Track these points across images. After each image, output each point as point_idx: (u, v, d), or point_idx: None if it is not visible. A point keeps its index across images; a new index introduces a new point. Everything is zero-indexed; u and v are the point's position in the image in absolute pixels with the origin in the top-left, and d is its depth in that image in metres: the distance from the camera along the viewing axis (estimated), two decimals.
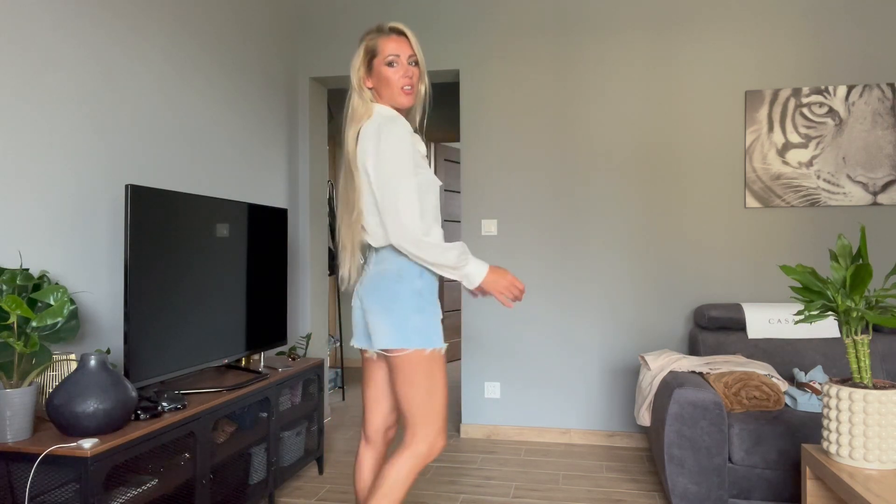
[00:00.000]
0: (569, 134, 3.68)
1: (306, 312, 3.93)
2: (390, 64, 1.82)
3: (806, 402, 2.61)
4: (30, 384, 1.77)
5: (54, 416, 1.74)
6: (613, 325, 3.63)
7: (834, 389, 1.82)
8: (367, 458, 1.96)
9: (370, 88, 1.87)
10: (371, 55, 1.84)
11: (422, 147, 1.88)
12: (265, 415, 2.61)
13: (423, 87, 1.93)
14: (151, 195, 2.15)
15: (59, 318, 1.82)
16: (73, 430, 1.74)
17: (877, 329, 3.11)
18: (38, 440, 1.74)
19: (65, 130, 2.19)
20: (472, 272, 1.78)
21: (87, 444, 1.68)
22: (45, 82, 2.11)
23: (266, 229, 2.89)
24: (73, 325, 1.87)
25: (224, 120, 3.14)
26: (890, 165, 3.34)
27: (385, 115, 1.83)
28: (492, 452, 3.47)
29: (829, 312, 1.88)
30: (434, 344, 1.76)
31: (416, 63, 1.87)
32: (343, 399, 4.71)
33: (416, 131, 1.91)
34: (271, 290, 2.94)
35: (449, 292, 6.23)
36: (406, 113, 1.92)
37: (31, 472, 1.68)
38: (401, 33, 1.85)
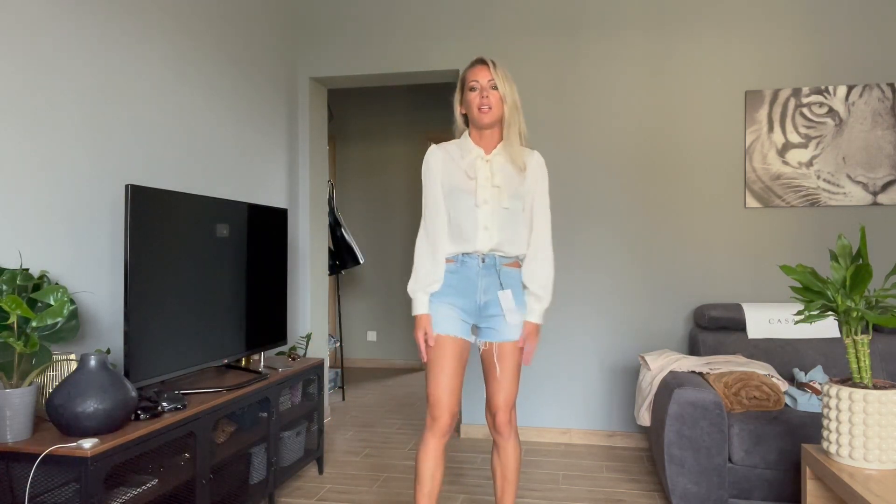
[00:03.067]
0: (569, 133, 3.68)
1: (306, 312, 3.93)
2: (472, 89, 2.09)
3: (806, 402, 2.61)
4: (30, 384, 1.77)
5: (54, 416, 1.74)
6: (613, 325, 3.63)
7: (834, 389, 1.82)
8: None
9: (463, 114, 2.19)
10: (461, 83, 2.16)
11: (468, 163, 2.14)
12: (265, 415, 2.61)
13: (506, 108, 2.11)
14: (151, 195, 2.15)
15: (59, 318, 1.82)
16: (73, 430, 1.74)
17: (877, 329, 3.10)
18: (38, 440, 1.74)
19: (65, 130, 2.19)
20: (414, 303, 2.14)
21: (87, 444, 1.68)
22: (45, 82, 2.11)
23: (266, 229, 2.89)
24: (73, 325, 1.87)
25: (224, 120, 3.14)
26: (890, 165, 3.34)
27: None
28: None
29: (829, 312, 1.88)
30: (435, 329, 2.09)
31: (496, 87, 2.08)
32: (343, 399, 4.71)
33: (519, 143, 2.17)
34: (271, 290, 2.94)
35: None
36: (489, 128, 2.13)
37: (31, 472, 1.68)
38: (483, 62, 2.11)
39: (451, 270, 2.13)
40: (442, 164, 2.14)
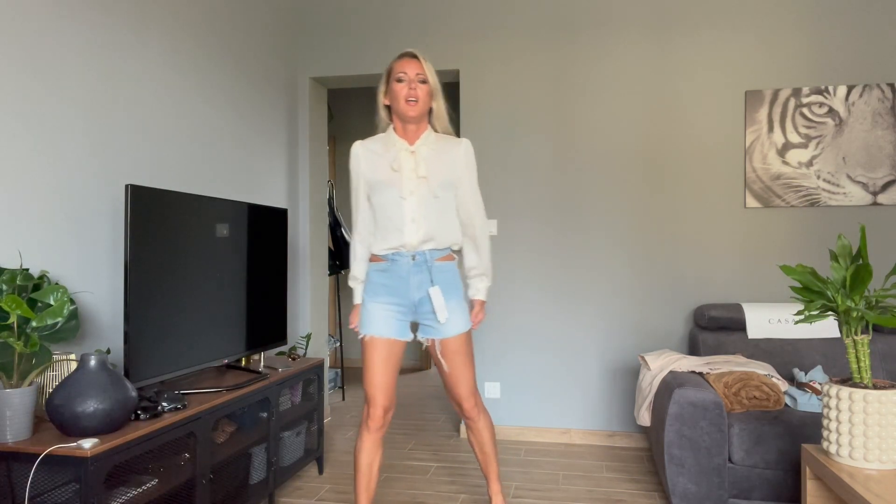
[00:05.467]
0: (569, 134, 3.68)
1: (306, 312, 3.93)
2: (399, 80, 2.07)
3: (806, 402, 2.61)
4: (30, 384, 1.77)
5: (54, 416, 1.74)
6: (613, 325, 3.63)
7: (834, 389, 1.82)
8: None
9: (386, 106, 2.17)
10: (387, 74, 2.12)
11: (392, 155, 2.12)
12: (265, 415, 2.61)
13: (434, 102, 2.15)
14: (151, 195, 2.15)
15: (59, 318, 1.82)
16: (72, 430, 1.74)
17: (877, 329, 3.10)
18: (38, 440, 1.74)
19: (65, 130, 2.19)
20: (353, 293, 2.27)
21: (87, 444, 1.68)
22: (45, 83, 2.11)
23: (266, 229, 2.89)
24: (73, 325, 1.87)
25: (224, 120, 3.14)
26: (890, 165, 3.34)
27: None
28: None
29: (829, 312, 1.88)
30: (363, 331, 2.15)
31: (424, 81, 2.08)
32: (343, 399, 4.71)
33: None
34: (271, 289, 2.94)
35: None
36: (413, 121, 2.13)
37: (31, 472, 1.68)
38: (412, 55, 2.09)
39: (382, 269, 2.15)
40: (364, 160, 2.15)
